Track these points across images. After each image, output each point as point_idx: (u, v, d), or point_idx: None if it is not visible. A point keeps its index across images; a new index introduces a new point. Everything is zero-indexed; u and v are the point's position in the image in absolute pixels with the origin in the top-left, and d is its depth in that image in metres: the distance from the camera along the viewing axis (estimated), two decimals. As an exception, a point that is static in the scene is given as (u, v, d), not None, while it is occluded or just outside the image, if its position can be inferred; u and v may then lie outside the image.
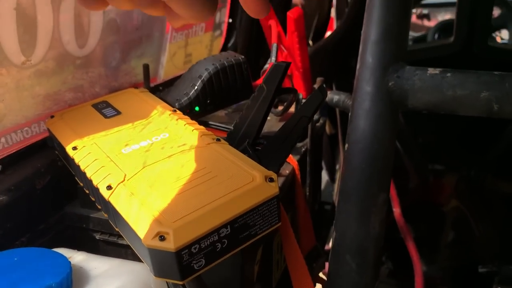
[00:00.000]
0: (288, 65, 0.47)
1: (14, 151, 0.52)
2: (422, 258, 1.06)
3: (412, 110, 0.53)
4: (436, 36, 1.51)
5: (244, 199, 0.38)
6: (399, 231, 0.89)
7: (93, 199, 0.46)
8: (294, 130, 0.47)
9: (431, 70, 0.52)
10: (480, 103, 0.49)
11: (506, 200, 1.00)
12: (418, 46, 0.90)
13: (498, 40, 1.78)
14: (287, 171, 0.62)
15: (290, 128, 0.47)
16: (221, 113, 0.76)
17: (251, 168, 0.41)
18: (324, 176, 1.82)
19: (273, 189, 0.40)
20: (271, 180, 0.40)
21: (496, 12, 1.72)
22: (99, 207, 0.46)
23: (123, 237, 0.50)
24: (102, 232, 0.54)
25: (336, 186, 1.32)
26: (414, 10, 2.16)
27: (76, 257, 0.45)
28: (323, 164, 1.45)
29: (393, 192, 0.83)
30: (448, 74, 0.51)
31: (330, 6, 1.55)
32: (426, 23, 2.16)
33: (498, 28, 1.57)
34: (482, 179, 0.96)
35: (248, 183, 0.39)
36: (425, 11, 2.15)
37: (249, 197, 0.38)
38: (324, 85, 0.81)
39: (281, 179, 0.61)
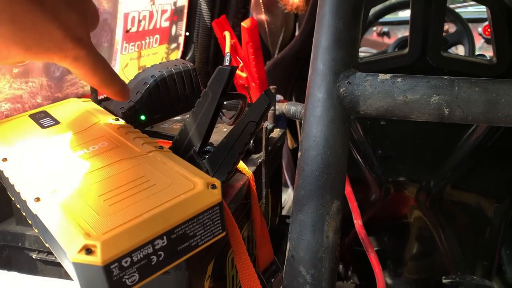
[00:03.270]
0: (233, 69, 0.45)
1: None
2: (386, 271, 1.04)
3: (364, 116, 0.53)
4: (396, 51, 1.54)
5: (183, 208, 0.35)
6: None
7: (24, 213, 0.43)
8: (241, 136, 0.45)
9: (381, 76, 0.51)
10: (431, 108, 0.49)
11: (465, 210, 1.01)
12: (375, 57, 0.91)
13: (455, 56, 1.84)
14: (242, 182, 0.60)
15: (237, 134, 0.45)
16: (176, 125, 0.74)
17: (192, 175, 0.39)
18: (290, 192, 1.80)
19: (215, 196, 0.37)
20: (214, 187, 0.38)
21: (453, 28, 1.77)
22: (29, 222, 0.42)
23: (61, 256, 0.47)
24: (40, 251, 0.50)
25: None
26: (374, 28, 2.21)
27: (4, 278, 0.42)
28: (287, 179, 1.43)
29: (353, 204, 0.82)
30: (399, 79, 0.50)
31: (295, 22, 1.56)
32: (386, 40, 2.21)
33: (455, 43, 1.61)
34: (441, 190, 0.97)
35: (188, 190, 0.37)
36: (385, 29, 2.21)
37: (188, 205, 0.36)
38: (276, 93, 0.80)
39: (235, 190, 0.58)
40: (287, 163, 1.32)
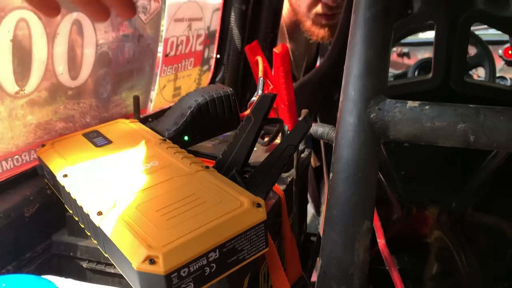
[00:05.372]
0: (274, 96, 0.49)
1: (3, 179, 0.52)
2: (407, 290, 1.06)
3: (393, 141, 0.56)
4: (416, 73, 1.57)
5: (233, 224, 0.39)
6: (384, 263, 0.90)
7: (82, 226, 0.47)
8: (281, 158, 0.49)
9: (410, 103, 0.54)
10: (457, 134, 0.52)
11: (486, 232, 1.02)
12: (399, 82, 0.94)
13: (475, 77, 1.86)
14: (273, 200, 0.64)
15: (276, 156, 0.49)
16: (209, 144, 0.78)
17: (239, 194, 0.42)
18: (310, 209, 1.82)
19: (260, 214, 0.41)
20: (259, 205, 0.41)
21: (473, 51, 1.80)
22: (88, 233, 0.46)
23: (110, 265, 0.51)
24: (90, 261, 0.54)
25: (321, 219, 1.32)
26: (394, 49, 2.24)
27: (63, 284, 0.45)
28: (308, 197, 1.46)
29: (377, 223, 0.84)
30: (427, 107, 0.53)
31: (318, 48, 1.61)
32: (406, 61, 2.24)
33: (475, 66, 1.64)
34: (462, 211, 0.98)
35: (236, 208, 0.40)
36: (405, 50, 2.24)
37: (237, 222, 0.39)
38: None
39: (268, 208, 0.62)
40: (310, 181, 1.35)
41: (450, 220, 1.00)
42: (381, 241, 0.87)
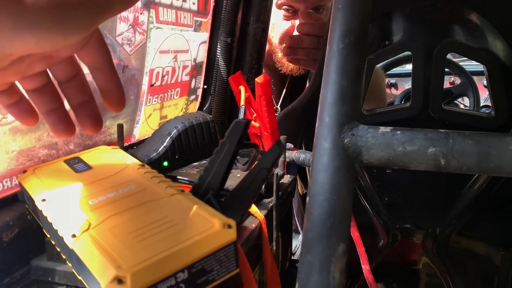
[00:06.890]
0: (248, 122, 0.51)
1: (-17, 205, 0.53)
2: (395, 319, 1.05)
3: (367, 164, 0.57)
4: (403, 102, 1.60)
5: (202, 245, 0.40)
6: (371, 290, 0.90)
7: (58, 249, 0.48)
8: (254, 181, 0.50)
9: (382, 129, 0.56)
10: (428, 158, 0.54)
11: (473, 258, 1.02)
12: (380, 110, 0.96)
13: (462, 107, 1.90)
14: (254, 225, 0.64)
15: (250, 179, 0.50)
16: (193, 170, 0.79)
17: (210, 216, 0.43)
18: (301, 238, 1.81)
19: (230, 235, 0.42)
20: (229, 227, 0.42)
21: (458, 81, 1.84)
22: (63, 257, 0.47)
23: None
24: (68, 286, 0.54)
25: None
26: (382, 79, 2.29)
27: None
28: (298, 225, 1.46)
29: (361, 249, 0.85)
30: (398, 132, 0.55)
31: (293, 78, 1.63)
32: (394, 91, 2.29)
33: (460, 96, 1.67)
34: (447, 237, 0.99)
35: (206, 229, 0.42)
36: (392, 81, 2.30)
37: (207, 243, 0.40)
38: (286, 142, 0.86)
39: (247, 232, 0.62)
40: (298, 209, 1.36)
41: (435, 246, 1.00)
42: (365, 267, 0.87)
